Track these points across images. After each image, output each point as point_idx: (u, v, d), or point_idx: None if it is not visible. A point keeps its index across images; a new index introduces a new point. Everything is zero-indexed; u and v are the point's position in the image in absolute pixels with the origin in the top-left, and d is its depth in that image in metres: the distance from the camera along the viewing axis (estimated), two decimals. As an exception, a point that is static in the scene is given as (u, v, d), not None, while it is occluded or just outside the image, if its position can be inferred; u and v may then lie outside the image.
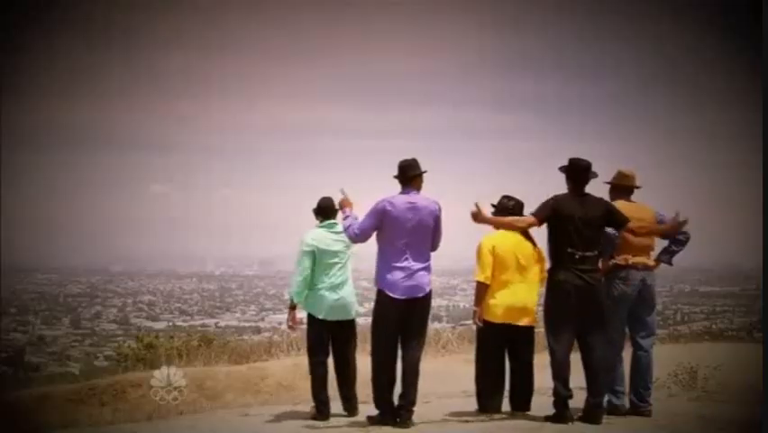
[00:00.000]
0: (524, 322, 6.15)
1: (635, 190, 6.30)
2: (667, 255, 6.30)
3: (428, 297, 5.90)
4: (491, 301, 6.09)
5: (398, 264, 5.78)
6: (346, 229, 5.93)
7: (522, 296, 6.14)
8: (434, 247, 5.97)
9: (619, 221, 5.92)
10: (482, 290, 6.10)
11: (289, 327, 6.49)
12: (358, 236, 5.86)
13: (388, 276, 5.78)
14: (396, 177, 5.94)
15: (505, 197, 6.33)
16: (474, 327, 6.46)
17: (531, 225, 5.98)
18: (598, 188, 6.08)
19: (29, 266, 60.57)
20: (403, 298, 5.77)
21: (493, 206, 6.38)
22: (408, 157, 5.97)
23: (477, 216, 5.81)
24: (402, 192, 5.89)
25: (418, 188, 5.91)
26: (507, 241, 6.18)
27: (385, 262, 5.82)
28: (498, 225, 6.08)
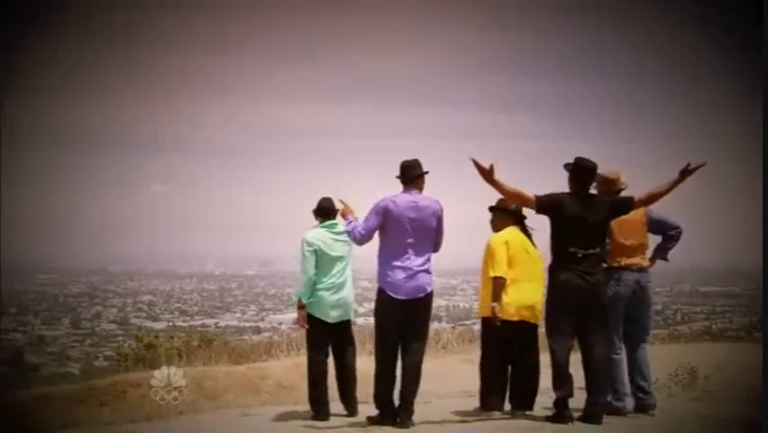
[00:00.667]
0: (533, 320, 6.18)
1: (627, 189, 6.25)
2: (662, 252, 6.31)
3: (429, 297, 5.89)
4: (504, 299, 6.08)
5: (400, 264, 5.76)
6: (350, 233, 5.89)
7: (532, 294, 6.17)
8: (435, 248, 5.95)
9: (625, 205, 5.86)
10: (500, 286, 6.06)
11: (301, 327, 6.47)
12: (364, 236, 5.82)
13: (390, 276, 5.77)
14: (398, 177, 5.93)
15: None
16: (475, 327, 6.45)
17: (529, 204, 5.84)
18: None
19: (29, 266, 60.60)
20: (404, 298, 5.76)
21: (491, 209, 6.37)
22: (409, 157, 5.97)
23: (488, 175, 5.64)
24: (404, 192, 5.89)
25: (420, 189, 5.90)
26: (517, 239, 6.20)
27: (386, 261, 5.81)
28: (502, 191, 5.81)
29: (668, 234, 6.26)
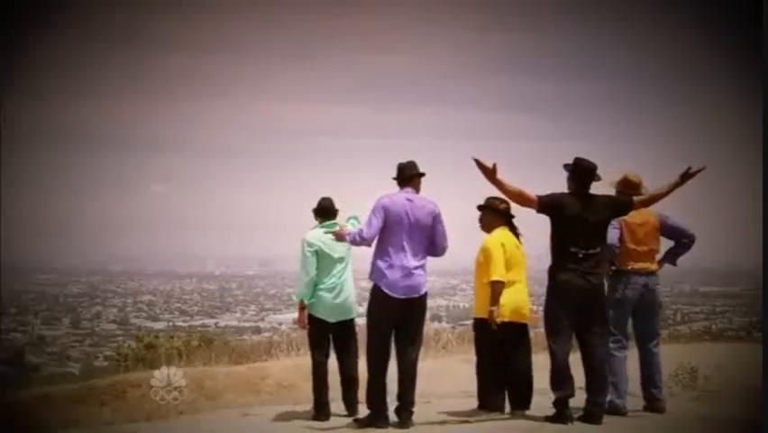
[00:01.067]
0: (526, 320, 6.21)
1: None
2: (672, 257, 6.33)
3: (424, 298, 5.87)
4: (499, 301, 6.06)
5: (397, 263, 5.73)
6: (354, 238, 5.76)
7: (524, 294, 6.20)
8: (441, 251, 5.91)
9: (624, 206, 5.87)
10: (500, 289, 6.03)
11: (302, 327, 6.50)
12: (371, 236, 5.71)
13: (387, 274, 5.73)
14: (394, 178, 5.92)
15: (495, 198, 6.27)
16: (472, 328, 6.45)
17: (531, 204, 5.78)
18: (602, 191, 6.05)
19: (29, 266, 60.61)
20: (400, 297, 5.74)
21: (479, 208, 6.37)
22: (409, 157, 5.97)
23: (490, 174, 5.61)
24: (401, 192, 5.88)
25: (417, 189, 5.89)
26: (510, 240, 6.20)
27: (383, 259, 5.76)
28: (504, 191, 5.77)
29: (681, 241, 6.28)
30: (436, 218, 5.85)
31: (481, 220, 6.40)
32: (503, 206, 6.27)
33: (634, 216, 6.05)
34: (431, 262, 5.94)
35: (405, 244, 5.75)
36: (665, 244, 6.34)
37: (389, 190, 5.90)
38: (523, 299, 6.19)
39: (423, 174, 5.92)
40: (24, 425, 7.40)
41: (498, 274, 6.05)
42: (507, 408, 6.18)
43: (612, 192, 6.16)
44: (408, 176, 5.88)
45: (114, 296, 54.49)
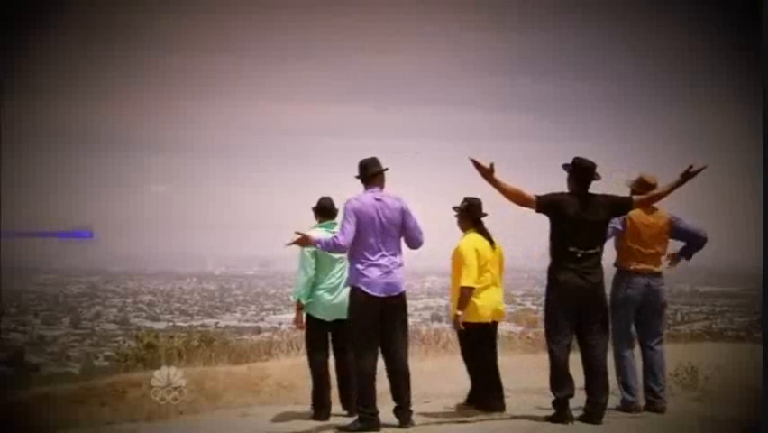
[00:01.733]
0: (500, 319, 6.37)
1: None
2: (686, 255, 6.39)
3: (404, 295, 5.81)
4: (477, 303, 6.13)
5: (375, 262, 5.68)
6: (329, 244, 5.68)
7: (500, 295, 6.32)
8: (417, 243, 5.84)
9: (624, 206, 5.88)
10: (469, 295, 6.10)
11: (299, 328, 6.51)
12: (347, 242, 5.63)
13: (367, 274, 5.67)
14: (357, 177, 5.85)
15: (464, 199, 6.35)
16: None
17: (530, 204, 5.74)
18: (612, 190, 6.04)
19: (29, 266, 60.54)
20: (381, 296, 5.68)
21: (455, 209, 6.38)
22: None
23: (487, 174, 5.60)
24: (367, 191, 5.81)
25: (381, 186, 5.84)
26: (483, 243, 6.24)
27: (360, 260, 5.69)
28: (502, 190, 5.71)
29: (693, 242, 6.30)
30: (405, 213, 5.78)
31: (459, 222, 6.42)
32: (464, 204, 6.29)
33: (642, 216, 6.06)
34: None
35: (379, 244, 5.70)
36: (675, 245, 6.35)
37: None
38: (499, 300, 6.31)
39: (386, 169, 5.86)
40: (24, 425, 7.41)
41: (469, 280, 6.08)
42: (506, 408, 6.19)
43: (626, 191, 6.16)
44: (373, 174, 5.82)
45: (114, 296, 54.43)
